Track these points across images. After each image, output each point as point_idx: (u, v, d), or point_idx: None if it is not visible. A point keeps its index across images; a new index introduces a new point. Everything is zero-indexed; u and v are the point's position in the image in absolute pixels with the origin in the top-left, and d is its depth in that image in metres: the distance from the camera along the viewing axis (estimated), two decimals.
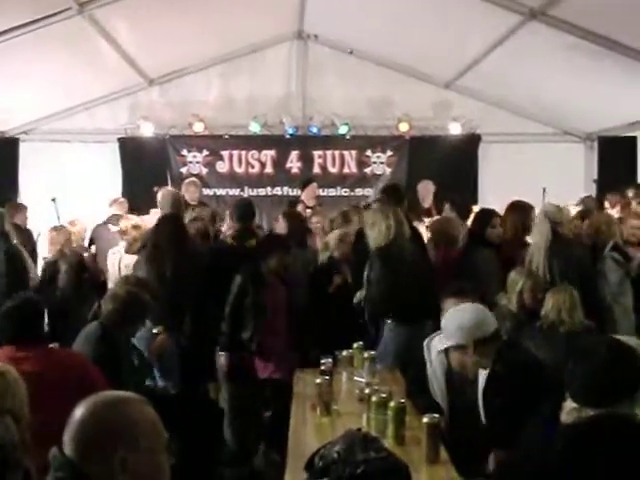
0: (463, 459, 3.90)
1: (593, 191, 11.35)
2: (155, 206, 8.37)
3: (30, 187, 11.47)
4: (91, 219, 9.46)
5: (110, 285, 7.12)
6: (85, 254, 8.44)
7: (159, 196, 8.09)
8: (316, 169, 12.40)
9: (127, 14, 8.91)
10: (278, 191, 12.35)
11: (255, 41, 11.65)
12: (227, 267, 6.63)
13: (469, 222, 8.05)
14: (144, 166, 12.03)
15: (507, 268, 6.11)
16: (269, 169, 12.44)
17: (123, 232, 7.88)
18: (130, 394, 2.27)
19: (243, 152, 12.40)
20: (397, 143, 12.39)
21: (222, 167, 12.41)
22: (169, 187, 8.17)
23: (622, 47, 8.43)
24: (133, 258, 7.22)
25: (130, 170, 12.09)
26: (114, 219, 9.46)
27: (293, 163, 12.44)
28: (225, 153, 12.40)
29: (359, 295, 6.70)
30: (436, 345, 4.81)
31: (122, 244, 7.72)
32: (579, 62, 9.02)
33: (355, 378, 5.37)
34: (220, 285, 6.54)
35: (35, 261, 8.55)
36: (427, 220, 8.98)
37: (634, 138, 11.50)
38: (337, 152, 12.45)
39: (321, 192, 11.49)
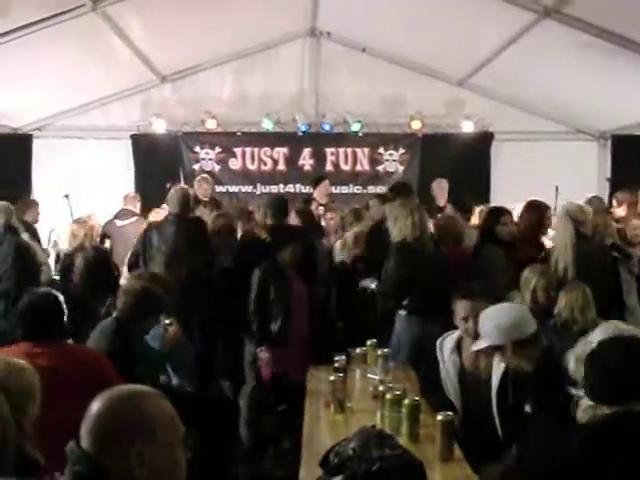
0: (477, 457, 3.90)
1: (606, 190, 11.30)
2: None
3: (43, 184, 11.50)
4: (104, 215, 9.49)
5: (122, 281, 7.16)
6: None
7: (169, 194, 8.13)
8: (328, 166, 12.40)
9: (140, 11, 8.93)
10: (290, 188, 12.32)
11: (268, 38, 11.66)
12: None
13: (474, 221, 8.11)
14: (157, 163, 12.07)
15: (522, 267, 6.09)
16: (282, 166, 12.44)
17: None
18: (147, 388, 2.28)
19: (256, 149, 12.41)
20: (410, 141, 12.37)
21: (235, 164, 12.42)
22: (181, 184, 8.18)
23: (636, 45, 8.39)
24: None
25: (143, 167, 12.12)
26: (122, 214, 9.51)
27: (305, 160, 12.43)
28: (238, 150, 12.40)
29: (367, 282, 6.73)
30: (448, 345, 4.82)
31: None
32: (592, 60, 8.98)
33: (369, 375, 5.38)
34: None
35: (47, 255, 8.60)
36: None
37: None
38: (350, 150, 12.44)
39: (333, 190, 11.47)
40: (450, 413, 4.00)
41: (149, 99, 12.20)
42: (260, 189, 12.35)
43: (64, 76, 10.05)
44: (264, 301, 6.49)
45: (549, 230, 7.20)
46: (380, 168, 12.46)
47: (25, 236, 7.65)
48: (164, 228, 7.45)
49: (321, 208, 9.73)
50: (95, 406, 2.15)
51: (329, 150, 12.43)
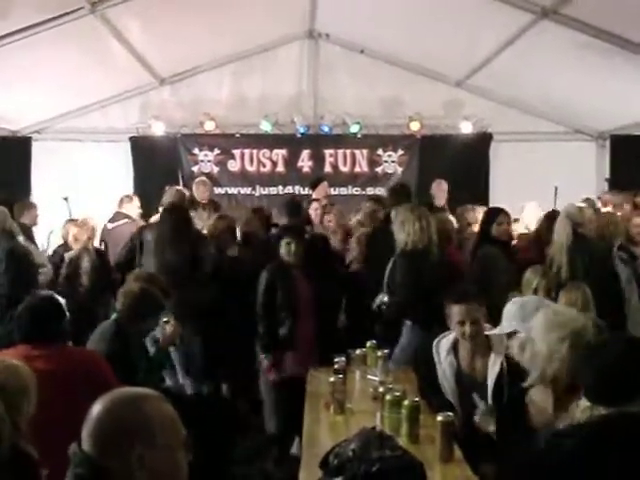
0: (475, 458, 3.90)
1: (605, 190, 11.31)
2: None
3: (42, 186, 11.47)
4: (103, 218, 9.49)
5: None
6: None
7: (165, 196, 8.16)
8: (327, 168, 12.38)
9: (139, 13, 8.93)
10: (289, 190, 12.30)
11: (266, 40, 11.64)
12: None
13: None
14: (156, 165, 12.06)
15: (522, 268, 6.11)
16: (280, 168, 12.42)
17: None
18: (147, 390, 2.28)
19: (254, 151, 12.39)
20: (408, 142, 12.36)
21: (233, 166, 12.40)
22: (178, 186, 8.20)
23: (634, 45, 8.39)
24: None
25: (142, 169, 12.11)
26: (114, 217, 9.51)
27: (304, 162, 12.42)
28: (236, 152, 12.39)
29: (380, 299, 6.67)
30: (444, 346, 4.83)
31: None
32: (591, 60, 8.99)
33: (368, 377, 5.39)
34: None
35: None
36: None
37: None
38: (348, 151, 12.42)
39: (332, 191, 11.49)
40: (450, 414, 4.02)
41: (148, 101, 12.19)
42: (259, 191, 12.34)
43: (63, 79, 10.05)
44: (272, 304, 6.50)
45: None
46: (379, 169, 12.45)
47: (21, 239, 7.64)
48: (156, 227, 7.49)
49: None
50: (96, 409, 2.15)
51: (328, 152, 12.41)
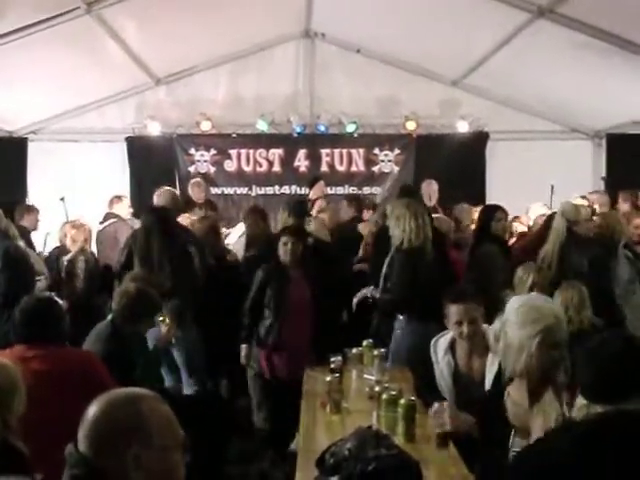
0: (472, 457, 3.91)
1: (601, 188, 11.34)
2: None
3: (39, 187, 11.45)
4: (99, 218, 9.50)
5: None
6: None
7: (155, 197, 8.12)
8: (324, 167, 12.38)
9: (135, 14, 8.93)
10: (286, 190, 12.32)
11: (262, 40, 11.64)
12: None
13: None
14: (152, 165, 12.05)
15: (515, 266, 6.12)
16: (277, 168, 12.42)
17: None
18: (144, 391, 2.27)
19: (251, 151, 12.38)
20: (405, 141, 12.35)
21: (230, 166, 12.40)
22: (166, 187, 8.17)
23: (629, 44, 8.41)
24: None
25: (138, 169, 12.10)
26: (104, 218, 9.50)
27: (301, 162, 12.42)
28: (233, 152, 12.38)
29: (366, 291, 6.69)
30: (442, 346, 4.83)
31: None
32: (587, 60, 9.00)
33: (365, 376, 5.39)
34: None
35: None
36: None
37: None
38: (345, 150, 12.41)
39: (329, 190, 11.50)
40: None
41: (144, 101, 12.18)
42: (255, 191, 12.34)
43: (59, 79, 10.04)
44: (259, 301, 6.53)
45: None
46: (375, 169, 12.44)
47: (21, 244, 7.63)
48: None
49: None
50: (92, 409, 2.15)
51: (324, 151, 12.41)
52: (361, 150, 12.41)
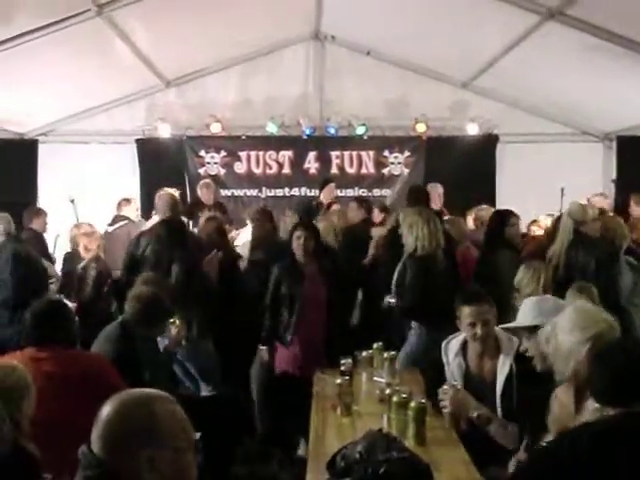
0: (483, 459, 3.91)
1: (612, 191, 11.32)
2: None
3: (49, 188, 11.51)
4: (109, 220, 9.54)
5: None
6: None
7: (156, 199, 8.10)
8: (334, 170, 12.38)
9: (145, 16, 8.93)
10: (296, 192, 12.33)
11: (272, 42, 11.65)
12: None
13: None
14: (162, 167, 12.06)
15: None
16: (287, 170, 12.43)
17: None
18: (157, 392, 2.28)
19: (261, 153, 12.40)
20: (415, 144, 12.35)
21: (240, 168, 12.41)
22: (167, 189, 8.15)
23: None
24: None
25: (148, 171, 12.12)
26: (113, 220, 9.53)
27: (311, 164, 12.43)
28: (243, 154, 12.39)
29: (388, 299, 6.68)
30: (453, 348, 4.83)
31: None
32: (597, 62, 8.98)
33: (375, 378, 5.39)
34: None
35: (53, 263, 8.64)
36: None
37: None
38: (354, 153, 12.42)
39: (339, 192, 11.48)
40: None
41: (154, 103, 12.21)
42: (265, 193, 12.35)
43: (69, 81, 10.07)
44: (277, 299, 6.55)
45: None
46: (385, 171, 12.45)
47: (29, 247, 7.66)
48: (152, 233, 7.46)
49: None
50: (105, 410, 2.16)
51: (334, 153, 12.42)
52: (371, 152, 12.42)
